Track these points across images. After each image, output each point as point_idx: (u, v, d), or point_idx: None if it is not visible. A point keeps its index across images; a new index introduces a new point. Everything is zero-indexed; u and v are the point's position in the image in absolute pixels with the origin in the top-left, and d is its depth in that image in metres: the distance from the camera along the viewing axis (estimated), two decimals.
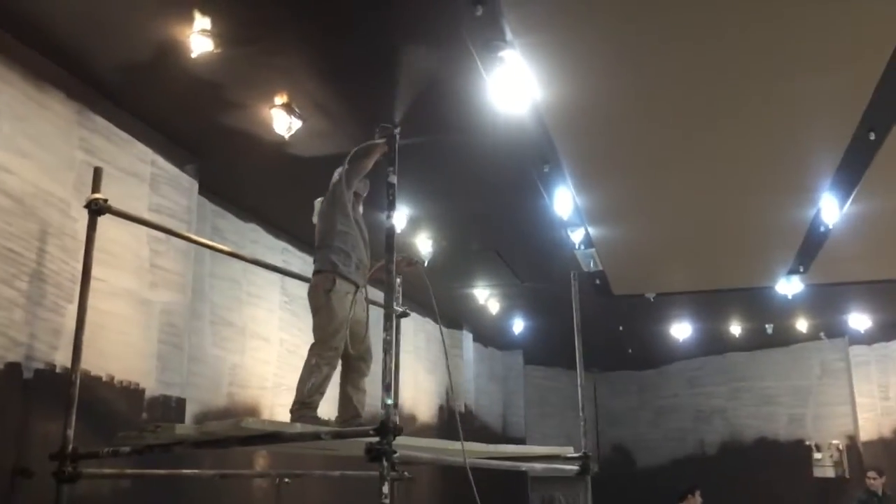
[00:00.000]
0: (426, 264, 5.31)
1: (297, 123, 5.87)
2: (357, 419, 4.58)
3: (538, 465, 6.24)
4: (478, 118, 5.84)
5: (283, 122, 5.78)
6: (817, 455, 14.06)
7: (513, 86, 5.48)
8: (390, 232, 4.16)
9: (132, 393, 5.60)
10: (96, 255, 5.32)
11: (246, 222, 7.84)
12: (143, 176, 5.90)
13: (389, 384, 3.99)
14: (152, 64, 5.22)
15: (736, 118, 6.26)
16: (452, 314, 12.73)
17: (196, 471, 5.28)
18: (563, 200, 7.63)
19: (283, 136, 5.85)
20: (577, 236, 8.59)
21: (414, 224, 8.31)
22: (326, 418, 4.77)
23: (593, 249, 9.32)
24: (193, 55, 4.85)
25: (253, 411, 7.53)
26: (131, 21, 4.86)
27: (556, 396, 17.33)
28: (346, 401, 4.72)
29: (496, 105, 5.61)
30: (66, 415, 4.46)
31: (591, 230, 8.72)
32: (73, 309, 4.82)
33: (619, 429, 17.83)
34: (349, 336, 4.69)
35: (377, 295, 4.75)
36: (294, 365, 8.36)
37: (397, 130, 4.45)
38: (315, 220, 5.02)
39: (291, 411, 4.53)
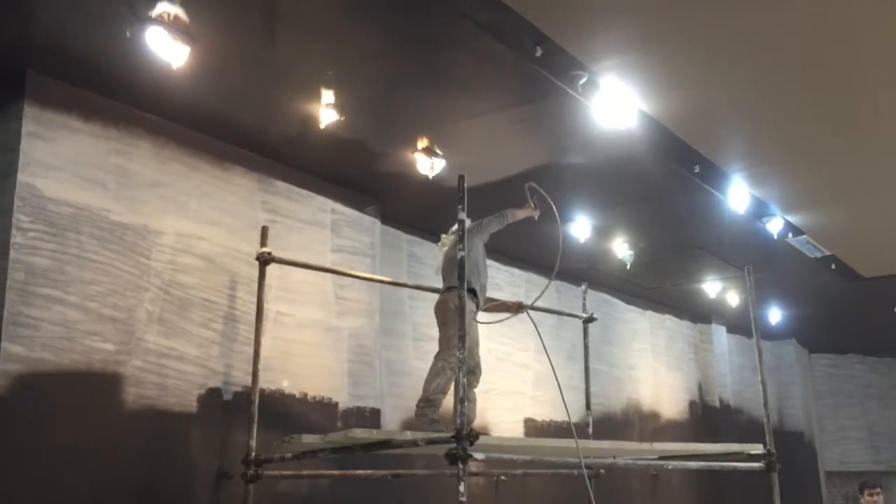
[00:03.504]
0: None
1: (440, 163, 6.59)
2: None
3: (693, 465, 6.30)
4: (595, 136, 6.13)
5: (425, 163, 6.54)
6: None
7: (616, 104, 5.74)
8: (461, 263, 4.76)
9: (326, 406, 6.70)
10: (284, 294, 6.55)
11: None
12: (323, 223, 7.02)
13: (462, 398, 4.58)
14: (312, 131, 6.21)
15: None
16: (697, 308, 12.60)
17: (369, 471, 6.19)
18: (739, 195, 7.51)
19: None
20: (774, 226, 8.29)
21: (602, 232, 8.62)
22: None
23: (805, 236, 8.88)
24: (322, 126, 5.78)
25: None
26: (289, 100, 5.85)
27: (850, 385, 16.21)
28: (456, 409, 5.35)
29: (608, 122, 5.88)
30: (248, 427, 5.63)
31: (790, 218, 8.38)
32: (263, 341, 5.99)
33: None
34: (469, 351, 5.34)
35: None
36: (504, 371, 9.14)
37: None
38: (439, 248, 5.80)
39: (416, 407, 5.33)
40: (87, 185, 5.42)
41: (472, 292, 5.43)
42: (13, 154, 5.11)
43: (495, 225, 5.81)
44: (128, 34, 4.73)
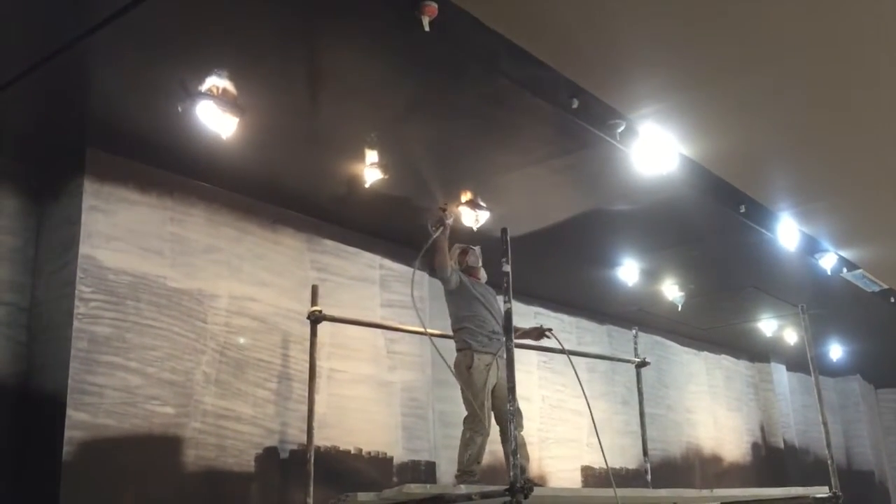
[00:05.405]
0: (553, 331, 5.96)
1: (484, 215, 6.68)
2: (522, 475, 5.16)
3: None
4: (637, 182, 6.16)
5: (470, 216, 6.62)
6: None
7: (656, 149, 5.78)
8: (508, 315, 4.83)
9: (381, 461, 6.74)
10: (336, 351, 6.66)
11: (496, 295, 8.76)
12: (372, 279, 7.14)
13: (515, 451, 4.61)
14: (358, 190, 6.35)
15: None
16: (755, 347, 12.38)
17: None
18: (788, 232, 7.44)
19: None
20: (827, 261, 8.17)
21: (651, 275, 8.59)
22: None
23: (861, 270, 8.73)
24: (367, 185, 5.92)
25: None
26: (334, 162, 5.99)
27: None
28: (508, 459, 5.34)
29: (649, 167, 5.91)
30: (305, 485, 5.68)
31: (843, 253, 8.25)
32: (317, 398, 6.07)
33: None
34: (499, 399, 5.37)
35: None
36: (559, 418, 9.08)
37: (449, 220, 5.25)
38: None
39: (455, 478, 5.39)
40: (144, 254, 5.62)
41: (471, 347, 5.57)
42: (75, 228, 5.34)
43: (438, 270, 5.74)
44: (179, 109, 4.95)
